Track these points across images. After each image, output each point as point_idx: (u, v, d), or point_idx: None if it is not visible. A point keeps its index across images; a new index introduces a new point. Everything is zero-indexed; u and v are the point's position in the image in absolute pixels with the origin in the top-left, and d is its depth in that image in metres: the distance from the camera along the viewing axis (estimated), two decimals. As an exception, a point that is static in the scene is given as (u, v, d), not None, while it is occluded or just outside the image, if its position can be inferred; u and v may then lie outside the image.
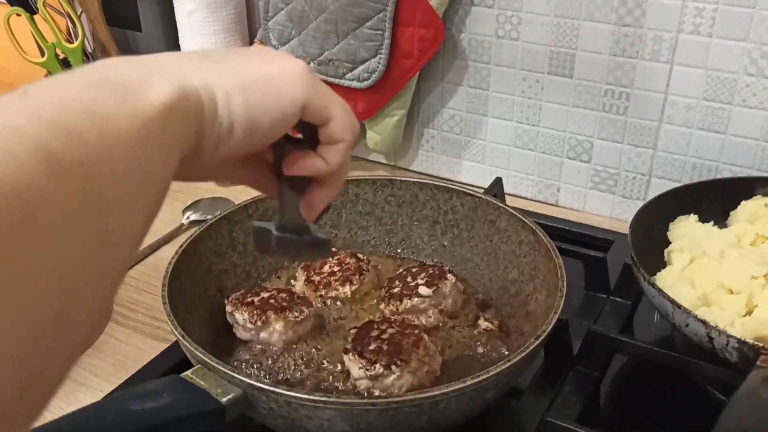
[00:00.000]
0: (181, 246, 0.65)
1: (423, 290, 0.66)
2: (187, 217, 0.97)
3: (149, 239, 0.92)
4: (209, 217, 0.96)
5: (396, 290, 0.67)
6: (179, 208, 0.99)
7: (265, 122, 0.38)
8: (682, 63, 0.84)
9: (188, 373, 0.52)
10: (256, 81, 0.38)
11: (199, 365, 0.53)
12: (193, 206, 0.99)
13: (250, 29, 1.11)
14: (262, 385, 0.49)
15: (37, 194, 0.25)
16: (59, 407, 0.60)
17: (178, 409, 0.48)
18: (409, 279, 0.68)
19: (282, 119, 0.39)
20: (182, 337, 0.54)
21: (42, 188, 0.25)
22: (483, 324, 0.66)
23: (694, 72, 0.84)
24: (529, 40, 0.92)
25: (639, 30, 0.85)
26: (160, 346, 0.73)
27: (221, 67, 0.38)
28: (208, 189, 1.06)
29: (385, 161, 1.12)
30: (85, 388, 0.69)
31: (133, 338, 0.76)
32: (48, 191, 0.25)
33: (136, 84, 0.32)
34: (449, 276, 0.67)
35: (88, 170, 0.27)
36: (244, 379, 0.50)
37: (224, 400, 0.50)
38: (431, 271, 0.68)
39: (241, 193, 1.04)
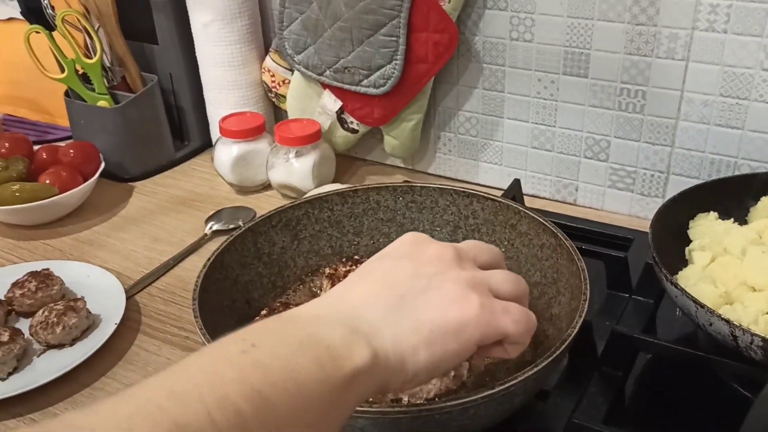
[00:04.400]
0: (209, 259, 0.66)
1: None
2: (210, 227, 0.98)
3: (174, 250, 0.94)
4: (231, 226, 0.98)
5: None
6: (202, 219, 1.01)
7: (446, 366, 0.45)
8: (698, 60, 0.84)
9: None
10: (439, 333, 0.44)
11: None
12: (216, 216, 1.01)
13: (264, 39, 1.12)
14: (295, 397, 0.50)
15: None
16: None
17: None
18: None
19: (461, 358, 0.46)
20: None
21: None
22: None
23: (710, 68, 0.84)
24: (543, 41, 0.92)
25: (653, 28, 0.85)
26: (190, 356, 0.74)
27: (407, 318, 0.44)
28: (229, 199, 1.07)
29: (402, 165, 1.13)
30: (118, 400, 0.71)
31: (163, 349, 0.78)
32: None
33: (340, 349, 0.40)
34: None
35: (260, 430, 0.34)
36: (277, 390, 0.51)
37: (258, 411, 0.50)
38: None
39: (261, 201, 1.06)
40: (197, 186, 1.11)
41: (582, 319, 0.56)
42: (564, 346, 0.53)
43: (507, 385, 0.50)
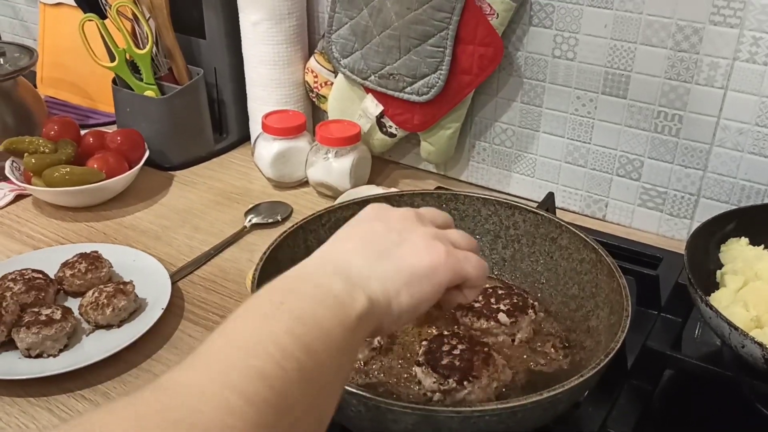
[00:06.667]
0: (264, 253, 0.69)
1: (502, 318, 0.69)
2: (249, 220, 1.01)
3: (214, 240, 0.97)
4: (270, 220, 1.01)
5: (477, 305, 0.71)
6: (240, 211, 1.04)
7: (424, 305, 0.52)
8: (737, 89, 0.87)
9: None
10: (416, 276, 0.51)
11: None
12: (254, 210, 1.04)
13: (309, 40, 1.15)
14: (355, 390, 0.53)
15: (293, 394, 0.39)
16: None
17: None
18: (493, 300, 0.71)
19: (434, 298, 0.52)
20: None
21: (294, 389, 0.39)
22: (549, 350, 0.69)
23: (748, 98, 0.87)
24: (585, 61, 0.95)
25: (695, 56, 0.88)
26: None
27: (389, 266, 0.50)
28: (266, 193, 1.10)
29: (435, 171, 1.16)
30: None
31: (206, 336, 0.80)
32: (297, 390, 0.39)
33: (344, 297, 0.46)
34: (530, 312, 0.70)
35: (313, 374, 0.41)
36: (336, 383, 0.54)
37: (318, 402, 0.53)
38: (515, 300, 0.71)
39: (298, 198, 1.09)
40: (235, 179, 1.14)
41: (624, 334, 0.59)
42: (608, 359, 0.56)
43: (554, 392, 0.53)
